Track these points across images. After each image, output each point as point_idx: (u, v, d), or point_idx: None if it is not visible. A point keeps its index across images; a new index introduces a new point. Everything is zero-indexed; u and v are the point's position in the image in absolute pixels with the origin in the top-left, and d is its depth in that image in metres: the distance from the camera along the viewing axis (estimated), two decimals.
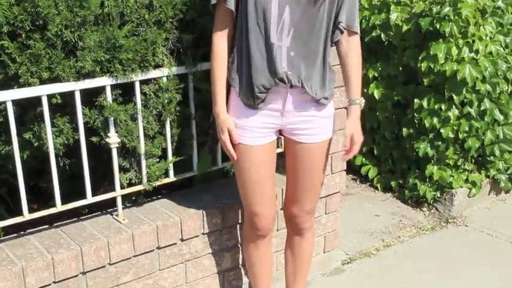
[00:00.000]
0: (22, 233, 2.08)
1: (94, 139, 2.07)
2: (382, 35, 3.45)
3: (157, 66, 2.10)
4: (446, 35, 3.12)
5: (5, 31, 1.77)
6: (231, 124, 1.93)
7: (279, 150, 2.37)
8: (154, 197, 2.36)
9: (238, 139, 1.93)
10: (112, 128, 2.05)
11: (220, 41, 1.90)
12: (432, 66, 3.15)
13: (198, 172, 2.34)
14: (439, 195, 3.38)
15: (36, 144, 1.95)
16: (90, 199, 2.09)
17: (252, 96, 1.87)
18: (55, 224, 2.14)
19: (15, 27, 1.78)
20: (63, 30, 1.83)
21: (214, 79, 1.93)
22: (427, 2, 3.30)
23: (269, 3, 1.78)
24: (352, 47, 1.95)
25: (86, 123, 2.02)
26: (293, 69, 1.85)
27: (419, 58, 3.21)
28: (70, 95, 1.95)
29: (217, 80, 1.92)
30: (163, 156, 2.23)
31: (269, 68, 1.84)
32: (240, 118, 1.93)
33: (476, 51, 3.13)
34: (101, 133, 2.07)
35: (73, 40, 1.86)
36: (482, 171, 3.45)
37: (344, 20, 1.89)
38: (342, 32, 1.91)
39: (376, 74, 3.53)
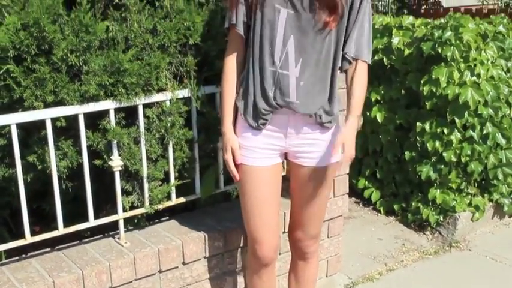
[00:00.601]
0: (24, 256, 2.08)
1: (97, 162, 2.08)
2: (385, 59, 3.48)
3: (160, 89, 2.12)
4: (448, 59, 3.14)
5: (11, 55, 1.79)
6: (236, 144, 1.94)
7: (282, 173, 2.37)
8: (157, 220, 2.36)
9: (241, 159, 1.94)
10: (115, 151, 2.06)
11: (231, 62, 1.93)
12: (434, 90, 3.16)
13: (202, 196, 2.34)
14: (442, 219, 3.37)
15: (40, 167, 1.96)
16: (92, 222, 2.09)
17: (256, 118, 1.89)
18: (57, 247, 2.13)
19: (21, 51, 1.80)
20: (69, 54, 1.85)
21: (223, 99, 1.95)
22: (428, 27, 3.33)
23: (274, 31, 1.80)
24: (358, 72, 1.93)
25: (89, 146, 2.03)
26: (301, 99, 1.85)
27: (422, 82, 3.23)
28: (74, 118, 1.97)
29: (226, 100, 1.94)
30: (166, 179, 2.23)
31: (270, 95, 1.85)
32: (244, 139, 1.93)
33: (478, 75, 3.14)
34: (104, 156, 2.08)
35: (78, 64, 1.88)
36: (486, 195, 3.44)
37: (352, 51, 1.88)
38: (349, 63, 1.91)
39: (378, 98, 3.54)
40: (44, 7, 1.77)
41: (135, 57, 2.00)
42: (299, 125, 1.91)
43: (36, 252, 2.10)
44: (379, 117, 3.52)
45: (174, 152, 2.20)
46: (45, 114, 1.88)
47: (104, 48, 1.96)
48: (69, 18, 1.86)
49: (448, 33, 3.13)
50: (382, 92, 3.53)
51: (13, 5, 1.79)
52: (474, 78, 3.14)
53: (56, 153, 1.97)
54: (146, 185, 2.17)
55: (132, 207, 2.19)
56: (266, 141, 1.93)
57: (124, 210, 2.16)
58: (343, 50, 1.89)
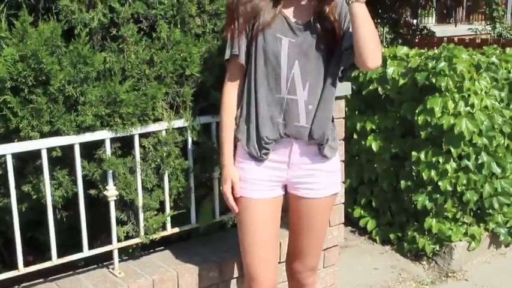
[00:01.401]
0: (16, 287, 2.06)
1: (92, 192, 2.08)
2: (380, 89, 3.51)
3: (156, 119, 2.13)
4: (442, 89, 3.17)
5: (8, 86, 1.81)
6: (236, 177, 1.92)
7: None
8: (151, 250, 2.35)
9: (240, 192, 1.91)
10: (110, 181, 2.06)
11: (231, 93, 1.92)
12: (429, 120, 3.18)
13: (200, 225, 2.34)
14: (438, 248, 3.35)
15: (34, 196, 1.96)
16: (86, 252, 2.08)
17: (259, 148, 1.87)
18: (50, 278, 2.12)
19: (19, 82, 1.82)
20: (66, 85, 1.87)
21: (224, 130, 1.93)
22: (422, 57, 3.37)
23: (278, 59, 1.82)
24: None
25: (84, 176, 2.03)
26: (310, 122, 1.86)
27: (416, 111, 3.26)
28: (70, 147, 1.97)
29: (227, 131, 1.93)
30: (161, 209, 2.23)
31: (278, 122, 1.86)
32: (244, 170, 1.91)
33: (472, 105, 3.17)
34: (99, 186, 2.08)
35: (75, 95, 1.90)
36: (481, 225, 3.44)
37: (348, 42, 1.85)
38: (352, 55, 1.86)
39: (373, 127, 3.56)
40: (42, 39, 1.79)
41: (131, 87, 2.02)
42: (301, 155, 1.91)
43: (29, 283, 2.08)
44: (374, 146, 3.53)
45: (169, 181, 2.21)
46: (41, 144, 1.89)
47: (101, 79, 1.98)
48: (67, 50, 1.88)
49: (442, 64, 3.17)
50: (377, 121, 3.55)
51: (12, 37, 1.81)
52: (468, 108, 3.16)
53: (51, 183, 1.97)
54: (141, 215, 2.16)
55: (127, 237, 2.18)
56: (268, 173, 1.91)
57: (119, 240, 2.15)
58: (345, 63, 1.90)
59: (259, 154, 1.88)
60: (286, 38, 1.83)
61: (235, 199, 1.93)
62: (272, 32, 1.82)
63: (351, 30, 1.80)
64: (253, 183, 1.91)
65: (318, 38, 1.83)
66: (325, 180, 1.96)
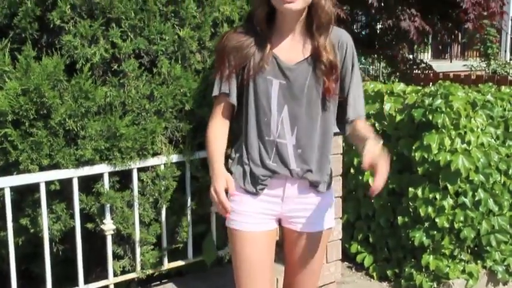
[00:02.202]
0: None
1: (89, 226, 2.08)
2: (377, 124, 3.53)
3: (155, 154, 2.14)
4: (439, 126, 3.19)
5: (10, 119, 1.82)
6: (230, 177, 1.83)
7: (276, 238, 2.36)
8: (148, 285, 2.33)
9: (234, 224, 1.88)
10: (108, 215, 2.06)
11: (217, 129, 1.89)
12: (426, 156, 3.20)
13: (206, 261, 2.32)
14: (435, 285, 3.32)
15: (32, 230, 1.95)
16: (82, 287, 2.06)
17: (255, 184, 1.86)
18: None
19: (20, 116, 1.83)
20: (67, 119, 1.88)
21: (211, 156, 1.86)
22: (419, 94, 3.40)
23: (268, 102, 1.81)
24: (360, 125, 1.94)
25: (82, 210, 2.03)
26: (300, 165, 1.86)
27: (413, 148, 3.27)
28: (68, 181, 1.98)
29: (214, 156, 1.85)
30: (158, 243, 2.22)
31: (270, 164, 1.85)
32: (238, 203, 1.89)
33: (469, 143, 3.19)
34: (97, 219, 2.08)
35: (75, 129, 1.91)
36: (479, 262, 3.42)
37: (351, 115, 1.89)
38: (350, 124, 1.92)
39: None
40: (45, 73, 1.82)
41: (131, 122, 2.04)
42: (296, 189, 1.90)
43: None
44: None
45: (167, 216, 2.20)
46: (40, 177, 1.89)
47: (101, 113, 1.99)
48: (69, 84, 1.90)
49: (438, 101, 3.20)
50: None
51: (15, 71, 1.83)
52: (465, 145, 3.18)
53: (49, 217, 1.96)
54: (138, 249, 2.15)
55: (123, 272, 2.16)
56: (262, 206, 1.90)
57: (115, 274, 2.13)
58: (342, 117, 1.91)
59: (255, 190, 1.87)
60: (276, 80, 1.81)
61: (231, 231, 1.90)
62: (263, 75, 1.80)
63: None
64: (247, 216, 1.89)
65: (309, 81, 1.81)
66: (319, 214, 1.95)
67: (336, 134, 1.98)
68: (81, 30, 1.92)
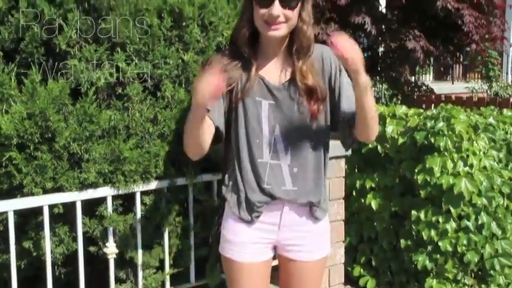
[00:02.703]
0: None
1: (92, 249, 2.07)
2: (379, 147, 3.53)
3: (158, 177, 2.15)
4: (441, 149, 3.20)
5: (15, 143, 1.83)
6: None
7: (275, 263, 2.35)
8: None
9: (231, 253, 1.86)
10: (111, 238, 2.06)
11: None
12: (428, 179, 3.20)
13: (211, 284, 2.30)
14: None
15: (34, 253, 1.95)
16: None
17: (250, 211, 1.84)
18: None
19: (25, 139, 1.84)
20: (71, 143, 1.90)
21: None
22: (421, 117, 3.42)
23: (259, 123, 1.81)
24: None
25: (85, 233, 2.03)
26: (298, 185, 1.85)
27: (416, 170, 3.27)
28: (71, 204, 1.98)
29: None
30: (161, 267, 2.21)
31: (264, 187, 1.83)
32: (234, 233, 1.87)
33: (471, 166, 3.19)
34: (99, 243, 2.08)
35: (79, 152, 1.92)
36: (483, 286, 3.39)
37: (346, 108, 1.85)
38: (346, 124, 1.87)
39: (373, 185, 3.57)
40: (50, 97, 1.83)
41: (135, 145, 2.05)
42: (293, 216, 1.88)
43: None
44: (373, 205, 3.53)
45: (169, 239, 2.20)
46: (43, 201, 1.90)
47: (105, 137, 2.01)
48: (74, 108, 1.91)
49: (441, 124, 3.21)
50: (377, 179, 3.56)
51: (21, 95, 1.85)
52: (467, 168, 3.18)
53: (52, 239, 1.96)
54: (140, 273, 2.14)
55: None
56: (258, 235, 1.87)
57: None
58: (343, 130, 1.89)
59: (250, 218, 1.85)
60: (265, 101, 1.81)
61: (227, 260, 1.89)
62: (251, 96, 1.80)
63: (343, 104, 1.84)
64: (243, 246, 1.87)
65: (298, 99, 1.81)
66: (315, 242, 1.93)
67: (332, 157, 1.98)
68: (87, 54, 1.94)
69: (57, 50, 1.94)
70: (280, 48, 1.84)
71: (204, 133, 1.77)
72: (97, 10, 1.97)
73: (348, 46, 1.60)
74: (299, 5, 1.77)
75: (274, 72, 1.85)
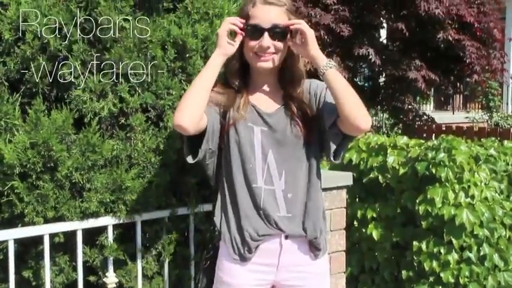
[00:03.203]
0: None
1: (92, 278, 2.06)
2: (380, 177, 3.54)
3: (159, 206, 2.15)
4: (443, 180, 3.20)
5: (17, 172, 1.84)
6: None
7: None
8: None
9: (222, 281, 1.84)
10: (111, 268, 2.05)
11: None
12: (430, 210, 3.19)
13: None
14: None
15: (34, 283, 1.94)
16: None
17: (243, 246, 1.81)
18: None
19: (27, 168, 1.85)
20: (73, 172, 1.91)
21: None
22: (422, 147, 3.43)
23: (252, 149, 1.81)
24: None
25: (85, 262, 2.03)
26: (292, 211, 1.83)
27: (417, 201, 3.27)
28: (72, 233, 1.98)
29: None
30: None
31: (260, 213, 1.81)
32: (230, 274, 1.83)
33: (472, 197, 3.19)
34: (99, 272, 2.07)
35: (81, 182, 1.93)
36: None
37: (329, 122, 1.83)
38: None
39: (374, 215, 3.56)
40: (54, 127, 1.85)
41: (137, 175, 2.05)
42: (291, 256, 1.84)
43: None
44: (375, 235, 3.51)
45: (169, 269, 2.19)
46: (44, 230, 1.90)
47: (107, 166, 2.02)
48: (77, 138, 1.93)
49: (442, 155, 3.22)
50: (378, 209, 3.55)
51: (25, 125, 1.87)
52: (469, 199, 3.18)
53: (51, 269, 1.96)
54: None
55: None
56: (255, 277, 1.83)
57: None
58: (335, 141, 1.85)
59: (243, 251, 1.81)
60: (257, 127, 1.83)
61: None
62: (244, 122, 1.82)
63: (328, 111, 1.82)
64: None
65: (290, 125, 1.83)
66: (315, 283, 1.90)
67: (333, 188, 1.96)
68: (91, 85, 1.96)
69: (62, 80, 1.96)
70: (270, 79, 1.90)
71: (203, 105, 1.76)
72: (102, 42, 2.00)
73: (302, 23, 1.79)
74: (288, 37, 1.81)
75: (265, 99, 1.89)
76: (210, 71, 1.79)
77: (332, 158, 1.85)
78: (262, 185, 1.82)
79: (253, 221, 1.82)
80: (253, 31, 1.78)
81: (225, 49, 1.80)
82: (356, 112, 1.75)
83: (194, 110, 1.74)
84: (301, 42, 1.81)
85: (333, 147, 1.85)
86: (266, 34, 1.77)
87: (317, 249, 1.88)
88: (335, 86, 1.76)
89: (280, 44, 1.80)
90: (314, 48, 1.79)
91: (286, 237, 1.84)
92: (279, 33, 1.78)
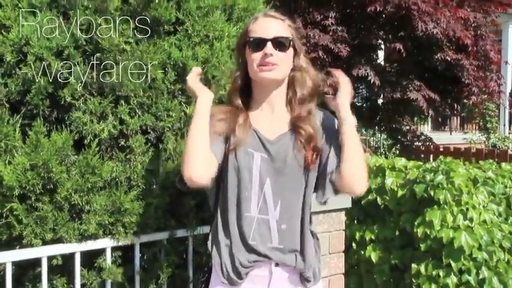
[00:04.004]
0: None
1: None
2: (378, 199, 3.54)
3: (158, 228, 2.14)
4: (441, 202, 3.20)
5: (16, 194, 1.84)
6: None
7: None
8: None
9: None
10: None
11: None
12: (428, 232, 3.19)
13: None
14: None
15: None
16: None
17: (233, 272, 1.77)
18: None
19: (27, 190, 1.85)
20: (73, 194, 1.90)
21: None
22: (420, 169, 3.44)
23: (250, 176, 1.77)
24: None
25: (82, 285, 2.01)
26: (285, 243, 1.78)
27: (416, 223, 3.27)
28: (70, 255, 1.97)
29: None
30: None
31: (249, 244, 1.77)
32: None
33: (471, 219, 3.19)
34: None
35: (80, 204, 1.93)
36: None
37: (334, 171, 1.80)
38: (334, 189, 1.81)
39: (373, 237, 3.55)
40: (54, 149, 1.86)
41: (136, 197, 2.05)
42: (281, 284, 1.79)
43: None
44: (373, 257, 3.50)
45: None
46: (42, 252, 1.89)
47: (106, 188, 2.01)
48: (76, 159, 1.93)
49: (440, 177, 3.23)
50: (377, 231, 3.55)
51: (25, 147, 1.87)
52: (467, 222, 3.18)
53: None
54: None
55: None
56: None
57: None
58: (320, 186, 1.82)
59: (233, 276, 1.77)
60: (258, 153, 1.78)
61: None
62: (244, 148, 1.78)
63: (331, 158, 1.79)
64: None
65: (291, 153, 1.78)
66: None
67: (332, 210, 1.97)
68: (91, 107, 1.97)
69: (62, 102, 1.97)
70: (274, 98, 1.85)
71: (207, 149, 1.74)
72: (102, 64, 2.01)
73: (342, 75, 1.89)
74: (291, 50, 1.83)
75: (269, 125, 1.84)
76: (200, 114, 1.78)
77: (321, 202, 1.86)
78: (256, 214, 1.77)
79: (243, 250, 1.78)
80: (256, 43, 1.79)
81: (204, 89, 1.85)
82: (358, 174, 1.76)
83: (198, 158, 1.72)
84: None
85: (328, 195, 1.83)
86: (269, 43, 1.78)
87: (307, 281, 1.83)
88: (348, 142, 1.76)
89: (283, 55, 1.80)
90: (344, 99, 1.82)
91: (277, 264, 1.80)
92: (281, 43, 1.79)
